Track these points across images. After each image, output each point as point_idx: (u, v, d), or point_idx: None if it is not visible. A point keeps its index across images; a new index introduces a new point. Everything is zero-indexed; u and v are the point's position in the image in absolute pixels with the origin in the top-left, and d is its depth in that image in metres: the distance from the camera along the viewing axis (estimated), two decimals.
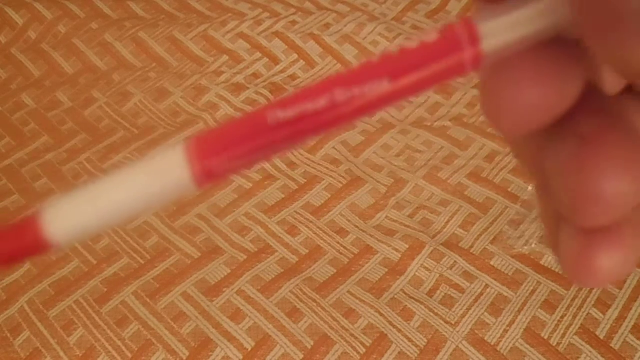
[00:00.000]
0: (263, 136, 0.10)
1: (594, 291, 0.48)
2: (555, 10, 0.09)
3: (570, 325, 0.46)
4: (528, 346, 0.45)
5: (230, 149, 0.10)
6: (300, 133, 0.10)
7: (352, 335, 0.46)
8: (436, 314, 0.47)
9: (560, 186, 0.10)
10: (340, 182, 0.58)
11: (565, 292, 0.48)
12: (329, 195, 0.57)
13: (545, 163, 0.10)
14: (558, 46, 0.10)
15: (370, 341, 0.46)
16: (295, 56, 0.72)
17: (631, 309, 0.47)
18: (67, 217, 0.10)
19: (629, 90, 0.12)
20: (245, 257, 0.52)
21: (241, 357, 0.45)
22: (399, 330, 0.46)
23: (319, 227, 0.54)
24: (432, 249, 0.51)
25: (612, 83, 0.12)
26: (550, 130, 0.10)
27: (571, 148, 0.10)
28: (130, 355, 0.45)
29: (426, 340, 0.45)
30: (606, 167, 0.09)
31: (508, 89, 0.09)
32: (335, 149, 0.62)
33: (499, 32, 0.09)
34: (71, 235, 0.10)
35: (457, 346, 0.45)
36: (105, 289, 0.50)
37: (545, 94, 0.09)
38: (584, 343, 0.45)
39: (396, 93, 0.09)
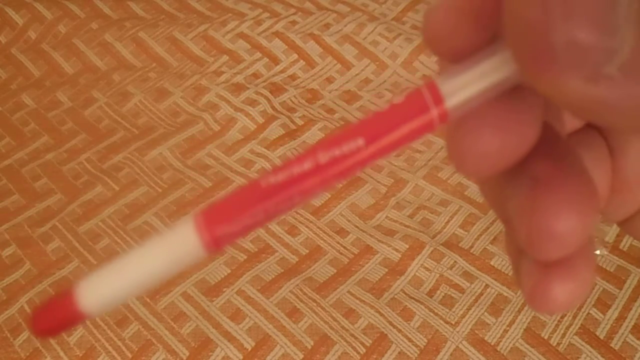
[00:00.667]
0: (259, 200, 0.11)
1: (594, 291, 0.48)
2: (508, 62, 0.10)
3: (570, 325, 0.46)
4: (528, 346, 0.45)
5: (233, 216, 0.11)
6: (292, 196, 0.11)
7: (352, 335, 0.46)
8: (436, 314, 0.47)
9: (518, 224, 0.11)
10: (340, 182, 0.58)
11: None
12: (329, 195, 0.57)
13: (505, 201, 0.11)
14: (516, 94, 0.10)
15: (370, 341, 0.46)
16: (295, 56, 0.72)
17: (631, 309, 0.47)
18: (97, 292, 0.11)
19: (587, 125, 0.13)
20: (245, 257, 0.52)
21: (241, 357, 0.45)
22: (399, 330, 0.46)
23: (319, 227, 0.54)
24: (432, 249, 0.51)
25: (570, 122, 0.13)
26: (509, 173, 0.11)
27: (526, 189, 0.11)
28: (130, 355, 0.45)
29: (426, 340, 0.45)
30: (556, 207, 0.10)
31: (470, 137, 0.10)
32: None
33: (460, 90, 0.10)
34: (102, 306, 0.11)
35: (457, 346, 0.45)
36: None
37: (505, 140, 0.10)
38: (584, 343, 0.45)
39: (373, 152, 0.10)
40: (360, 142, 0.10)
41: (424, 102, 0.10)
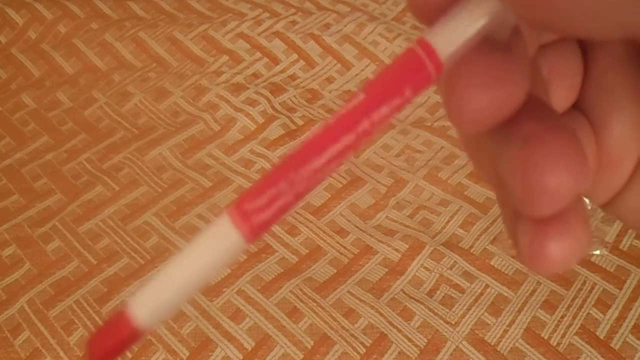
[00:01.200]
0: (282, 177, 0.11)
1: (594, 291, 0.48)
2: (485, 7, 0.11)
3: (570, 325, 0.46)
4: (528, 346, 0.45)
5: (264, 204, 0.11)
6: (312, 164, 0.11)
7: (352, 335, 0.46)
8: (436, 314, 0.47)
9: (511, 182, 0.12)
10: (340, 182, 0.58)
11: (565, 292, 0.48)
12: (329, 195, 0.57)
13: (498, 163, 0.12)
14: (503, 57, 0.12)
15: (370, 341, 0.46)
16: (295, 56, 0.72)
17: (631, 309, 0.47)
18: (150, 305, 0.11)
19: (572, 107, 0.14)
20: (245, 257, 0.52)
21: (241, 357, 0.45)
22: (399, 330, 0.46)
23: (319, 227, 0.54)
24: (432, 249, 0.51)
25: (559, 98, 0.14)
26: (500, 133, 0.12)
27: (517, 147, 0.12)
28: (130, 356, 0.45)
29: (426, 340, 0.45)
30: (548, 162, 0.11)
31: (466, 93, 0.11)
32: None
33: (447, 40, 0.11)
34: (157, 318, 0.11)
35: (457, 346, 0.45)
36: (105, 289, 0.50)
37: (496, 94, 0.11)
38: (584, 343, 0.45)
39: (378, 114, 0.11)
40: (361, 96, 0.11)
41: (418, 57, 0.11)
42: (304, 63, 0.72)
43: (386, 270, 0.50)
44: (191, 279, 0.11)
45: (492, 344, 0.45)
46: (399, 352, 0.45)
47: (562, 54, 0.15)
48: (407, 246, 0.52)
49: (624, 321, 0.46)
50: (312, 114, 0.66)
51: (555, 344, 0.45)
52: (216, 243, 0.11)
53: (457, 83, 0.12)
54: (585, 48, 0.15)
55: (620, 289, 0.48)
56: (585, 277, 0.49)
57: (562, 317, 0.46)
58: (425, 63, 0.11)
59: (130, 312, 0.11)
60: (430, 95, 0.67)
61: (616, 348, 0.44)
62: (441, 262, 0.51)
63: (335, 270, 0.51)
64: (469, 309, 0.47)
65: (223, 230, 0.11)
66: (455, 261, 0.51)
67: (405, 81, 0.11)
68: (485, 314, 0.47)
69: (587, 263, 0.50)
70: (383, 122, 0.11)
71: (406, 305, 0.48)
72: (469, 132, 0.12)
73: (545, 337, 0.45)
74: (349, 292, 0.49)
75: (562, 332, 0.46)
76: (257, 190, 0.11)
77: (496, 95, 0.11)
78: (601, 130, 0.14)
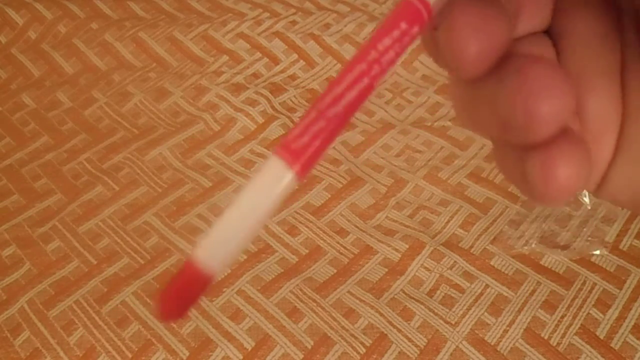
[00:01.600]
0: (325, 121, 0.13)
1: (594, 291, 0.48)
2: None
3: (570, 325, 0.46)
4: (528, 346, 0.45)
5: (307, 142, 0.12)
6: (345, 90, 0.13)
7: (352, 335, 0.46)
8: (436, 314, 0.47)
9: (512, 113, 0.13)
10: (340, 182, 0.58)
11: (565, 292, 0.48)
12: (329, 195, 0.57)
13: (496, 101, 0.13)
14: (487, 4, 0.13)
15: (370, 341, 0.46)
16: (295, 56, 0.72)
17: (631, 309, 0.47)
18: (216, 250, 0.12)
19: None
20: (245, 257, 0.52)
21: (241, 357, 0.45)
22: (399, 330, 0.46)
23: (319, 227, 0.54)
24: (432, 249, 0.51)
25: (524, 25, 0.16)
26: (494, 73, 0.14)
27: (512, 80, 0.13)
28: (130, 355, 0.45)
29: (426, 340, 0.45)
30: (538, 90, 0.13)
31: (464, 37, 0.13)
32: (335, 149, 0.62)
33: None
34: (224, 261, 0.12)
35: (457, 346, 0.45)
36: (105, 289, 0.50)
37: (489, 34, 0.13)
38: (584, 343, 0.45)
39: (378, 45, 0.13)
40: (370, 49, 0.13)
41: (412, 4, 0.13)
42: (304, 63, 0.72)
43: (386, 270, 0.50)
44: (252, 220, 0.12)
45: (492, 344, 0.45)
46: (399, 352, 0.45)
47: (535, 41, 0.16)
48: (407, 246, 0.52)
49: (624, 321, 0.46)
50: None
51: (555, 344, 0.45)
52: (271, 183, 0.12)
53: (453, 30, 0.13)
54: (557, 33, 0.16)
55: (620, 289, 0.48)
56: (585, 277, 0.49)
57: (562, 317, 0.46)
58: (414, 2, 0.13)
59: (198, 260, 0.12)
60: (430, 96, 0.67)
61: (616, 348, 0.44)
62: (441, 262, 0.51)
63: (335, 270, 0.51)
64: (469, 309, 0.47)
65: (276, 171, 0.12)
66: (455, 261, 0.51)
67: (399, 17, 0.13)
68: (485, 314, 0.47)
69: (587, 263, 0.50)
70: (388, 53, 0.13)
71: (406, 305, 0.48)
72: (469, 74, 0.13)
73: (545, 337, 0.45)
74: (349, 292, 0.49)
75: (562, 332, 0.46)
76: (298, 131, 0.12)
77: (491, 34, 0.13)
78: (577, 109, 0.15)
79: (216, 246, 0.12)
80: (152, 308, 0.48)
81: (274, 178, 0.12)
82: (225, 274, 0.50)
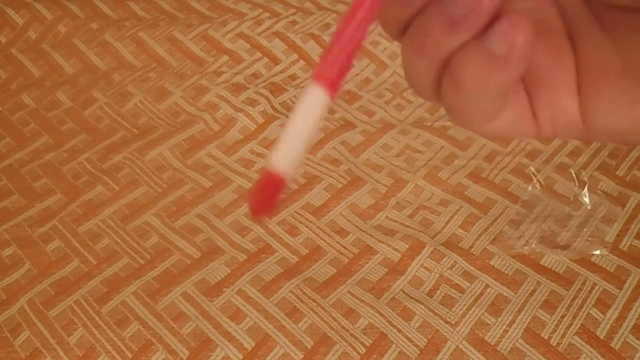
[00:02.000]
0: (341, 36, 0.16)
1: (594, 291, 0.48)
2: None
3: (570, 325, 0.46)
4: (528, 346, 0.45)
5: (337, 67, 0.16)
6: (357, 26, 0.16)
7: (352, 335, 0.46)
8: (436, 314, 0.47)
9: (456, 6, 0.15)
10: (340, 182, 0.58)
11: (565, 292, 0.48)
12: (329, 195, 0.57)
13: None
14: None
15: (370, 341, 0.46)
16: (295, 56, 0.72)
17: (631, 309, 0.47)
18: (286, 158, 0.16)
19: None
20: (245, 257, 0.52)
21: (241, 357, 0.45)
22: (399, 330, 0.46)
23: (319, 227, 0.54)
24: (432, 249, 0.51)
25: None
26: None
27: None
28: (130, 355, 0.45)
29: (426, 340, 0.45)
30: None
31: None
32: (335, 149, 0.62)
33: None
34: (293, 165, 0.16)
35: (457, 346, 0.45)
36: (105, 289, 0.50)
37: None
38: (584, 343, 0.45)
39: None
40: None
41: None
42: (304, 63, 0.72)
43: (386, 270, 0.50)
44: (306, 133, 0.16)
45: (492, 344, 0.45)
46: (399, 352, 0.45)
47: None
48: (407, 246, 0.52)
49: (624, 321, 0.46)
50: None
51: (555, 344, 0.45)
52: (315, 105, 0.16)
53: None
54: None
55: (620, 289, 0.48)
56: (585, 277, 0.49)
57: (562, 317, 0.46)
58: None
59: (274, 167, 0.16)
60: None
61: (616, 348, 0.44)
62: (441, 262, 0.51)
63: (335, 270, 0.51)
64: (469, 309, 0.47)
65: (318, 95, 0.16)
66: (455, 261, 0.51)
67: None
68: (485, 314, 0.47)
69: (587, 263, 0.50)
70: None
71: (406, 305, 0.48)
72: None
73: (545, 337, 0.45)
74: (349, 292, 0.49)
75: (562, 332, 0.46)
76: (329, 61, 0.16)
77: None
78: (577, 50, 0.17)
79: (284, 155, 0.16)
80: (152, 308, 0.48)
81: (317, 100, 0.16)
82: (225, 274, 0.50)
